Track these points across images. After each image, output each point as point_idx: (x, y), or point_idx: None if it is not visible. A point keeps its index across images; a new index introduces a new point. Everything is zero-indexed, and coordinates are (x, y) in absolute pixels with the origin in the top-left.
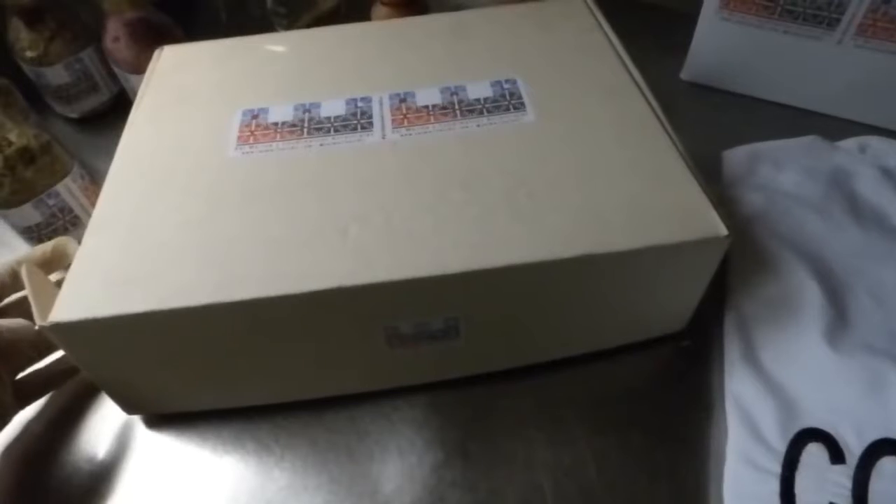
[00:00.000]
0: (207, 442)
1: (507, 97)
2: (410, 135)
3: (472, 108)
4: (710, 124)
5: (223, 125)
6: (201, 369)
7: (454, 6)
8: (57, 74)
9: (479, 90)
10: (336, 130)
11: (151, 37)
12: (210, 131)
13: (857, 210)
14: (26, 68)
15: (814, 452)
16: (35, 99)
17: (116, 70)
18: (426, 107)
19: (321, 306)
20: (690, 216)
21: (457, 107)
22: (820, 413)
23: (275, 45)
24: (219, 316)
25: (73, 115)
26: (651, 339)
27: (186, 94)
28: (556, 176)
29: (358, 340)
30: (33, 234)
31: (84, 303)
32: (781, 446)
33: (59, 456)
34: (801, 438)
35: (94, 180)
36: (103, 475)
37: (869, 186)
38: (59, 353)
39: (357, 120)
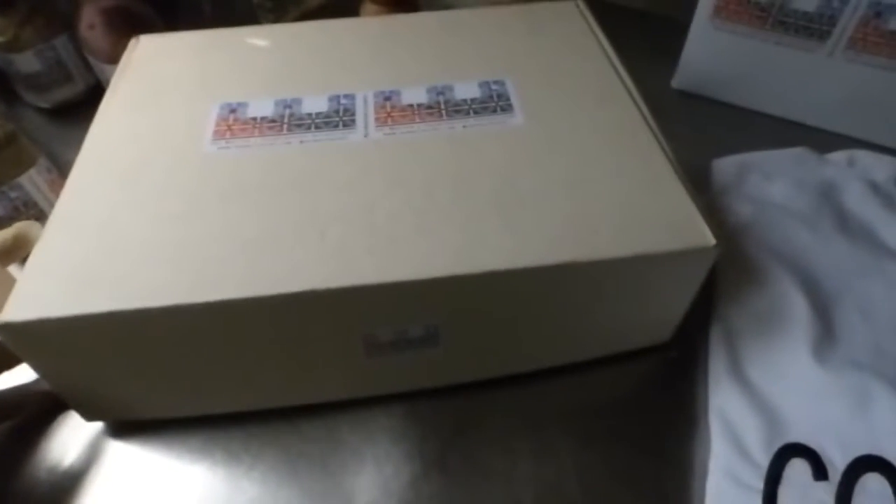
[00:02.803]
0: (174, 450)
1: (495, 98)
2: (394, 134)
3: (458, 109)
4: (700, 133)
5: (199, 119)
6: (169, 375)
7: (444, 5)
8: (27, 62)
9: (466, 90)
10: (317, 127)
11: (129, 26)
12: (185, 125)
13: (845, 224)
14: None
15: (797, 468)
16: (6, 88)
17: (91, 60)
18: (411, 106)
19: (296, 309)
20: (679, 225)
21: (443, 107)
22: (804, 428)
23: (257, 39)
24: (188, 318)
25: (45, 106)
26: (637, 350)
27: (161, 86)
28: (542, 180)
29: (334, 346)
30: None
31: (39, 301)
32: (765, 461)
33: (19, 464)
34: (785, 453)
35: (63, 174)
36: (65, 485)
37: (857, 200)
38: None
39: (339, 117)
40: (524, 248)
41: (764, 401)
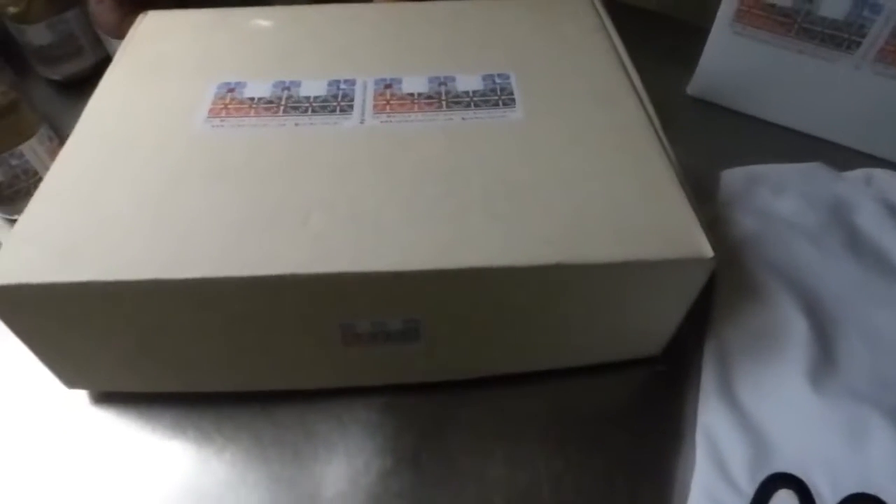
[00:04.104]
0: (149, 425)
1: (498, 92)
2: (391, 122)
3: (458, 100)
4: (711, 142)
5: (197, 96)
6: (145, 349)
7: None
8: (39, 34)
9: (469, 82)
10: (314, 111)
11: (138, 1)
12: (182, 101)
13: (857, 245)
14: (9, 26)
15: (784, 499)
16: (18, 59)
17: (100, 34)
18: (411, 95)
19: (272, 293)
20: (676, 233)
21: (443, 97)
22: (794, 457)
23: (263, 20)
24: (164, 294)
25: (56, 78)
26: (624, 361)
27: (163, 62)
28: (536, 178)
29: (310, 334)
30: None
31: (21, 267)
32: (750, 488)
33: None
34: (772, 482)
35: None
36: (40, 449)
37: (871, 221)
38: None
39: (337, 102)
40: (511, 246)
41: (752, 424)
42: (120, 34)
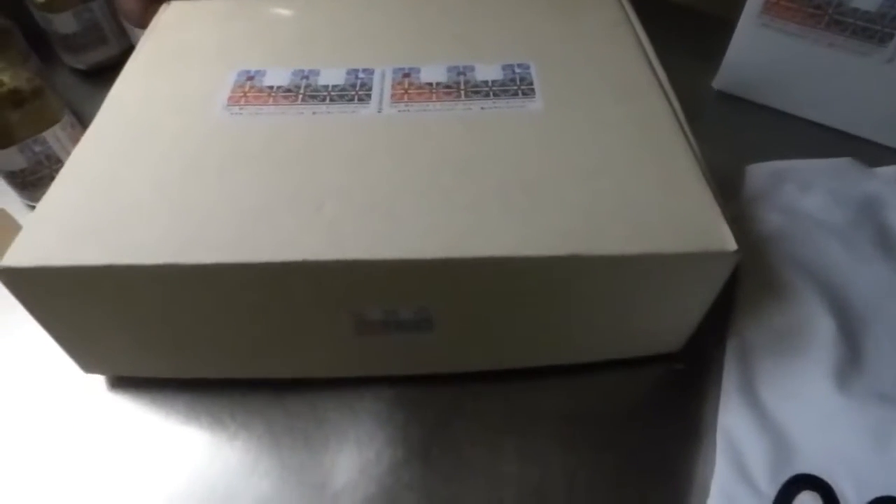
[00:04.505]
0: (164, 410)
1: (518, 82)
2: (408, 111)
3: (477, 90)
4: (737, 137)
5: (216, 84)
6: (159, 334)
7: None
8: (65, 22)
9: (488, 72)
10: (332, 100)
11: None
12: (201, 89)
13: (887, 244)
14: (36, 14)
15: (806, 502)
16: (45, 48)
17: (124, 23)
18: (430, 84)
19: (283, 279)
20: (698, 226)
21: (462, 87)
22: (818, 459)
23: (282, 9)
24: (178, 278)
25: (81, 67)
26: (642, 358)
27: (184, 51)
28: (555, 169)
29: (323, 322)
30: (17, 180)
31: (39, 250)
32: (771, 490)
33: (17, 406)
34: (794, 485)
35: None
36: (57, 433)
37: None
38: None
39: (355, 91)
40: (527, 237)
41: (775, 425)
42: (143, 24)
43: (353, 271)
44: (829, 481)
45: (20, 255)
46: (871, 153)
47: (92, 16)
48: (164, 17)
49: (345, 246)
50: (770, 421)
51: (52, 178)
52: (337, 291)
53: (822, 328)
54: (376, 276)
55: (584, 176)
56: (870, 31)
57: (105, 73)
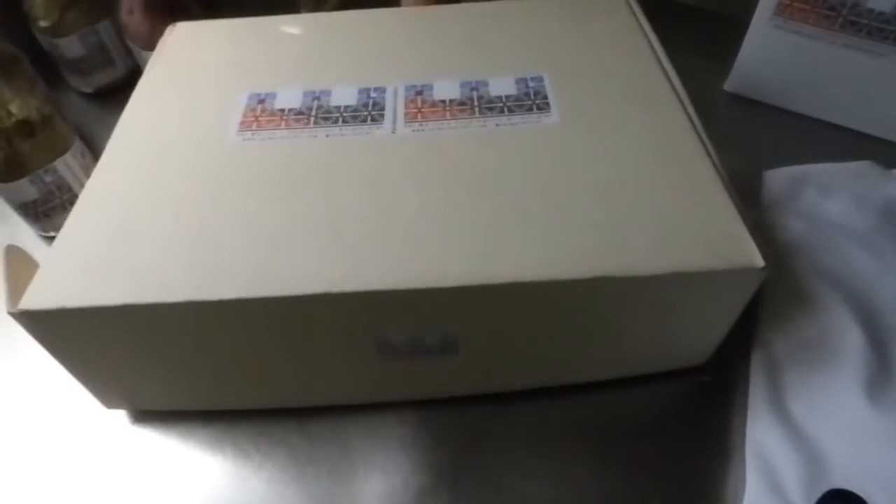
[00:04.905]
0: (189, 443)
1: (532, 96)
2: (423, 130)
3: (492, 106)
4: (752, 141)
5: (227, 108)
6: (182, 368)
7: None
8: (71, 46)
9: (502, 86)
10: (344, 121)
11: (167, 11)
12: (212, 114)
13: None
14: (41, 39)
15: None
16: (51, 72)
17: (131, 45)
18: (443, 101)
19: (308, 311)
20: (723, 242)
21: (476, 103)
22: (851, 473)
23: (292, 28)
24: (200, 314)
25: (88, 90)
26: (667, 371)
27: (193, 74)
28: (575, 186)
29: (347, 349)
30: (30, 211)
31: (58, 291)
32: None
33: (40, 444)
34: (828, 500)
35: (98, 159)
36: (82, 468)
37: None
38: None
39: (368, 111)
40: (551, 259)
41: (807, 439)
42: (150, 45)
43: (376, 300)
44: (864, 495)
45: (39, 296)
46: (888, 153)
47: (98, 38)
48: (170, 38)
49: (368, 274)
50: (801, 435)
51: (64, 208)
52: (361, 319)
53: (851, 338)
54: (400, 304)
55: (604, 191)
56: (885, 31)
57: (113, 95)
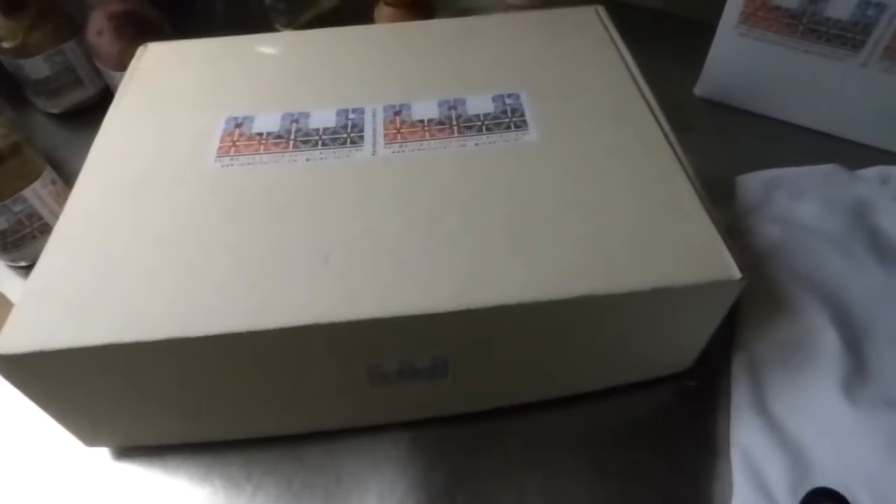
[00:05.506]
0: (176, 476)
1: (509, 113)
2: (403, 151)
3: (470, 125)
4: (723, 145)
5: (204, 133)
6: (168, 403)
7: (461, 9)
8: (36, 67)
9: (479, 105)
10: (324, 144)
11: (137, 32)
12: (189, 140)
13: (880, 248)
14: (4, 60)
15: None
16: (15, 93)
17: (100, 66)
18: (422, 121)
19: (297, 341)
20: (701, 255)
21: (454, 122)
22: (834, 472)
23: (267, 47)
24: (187, 350)
25: (55, 111)
26: (654, 378)
27: (167, 98)
28: (555, 203)
29: (338, 377)
30: None
31: (35, 332)
32: None
33: (21, 487)
34: (813, 499)
35: (70, 184)
36: None
37: (892, 222)
38: None
39: (347, 133)
40: (537, 279)
41: (789, 439)
42: (121, 66)
43: (367, 328)
44: (847, 493)
45: (15, 339)
46: (854, 153)
47: (64, 59)
48: (142, 60)
49: (357, 302)
50: (784, 435)
51: (34, 237)
52: (351, 346)
53: (826, 338)
54: (389, 331)
55: (583, 209)
56: (843, 38)
57: (82, 115)
